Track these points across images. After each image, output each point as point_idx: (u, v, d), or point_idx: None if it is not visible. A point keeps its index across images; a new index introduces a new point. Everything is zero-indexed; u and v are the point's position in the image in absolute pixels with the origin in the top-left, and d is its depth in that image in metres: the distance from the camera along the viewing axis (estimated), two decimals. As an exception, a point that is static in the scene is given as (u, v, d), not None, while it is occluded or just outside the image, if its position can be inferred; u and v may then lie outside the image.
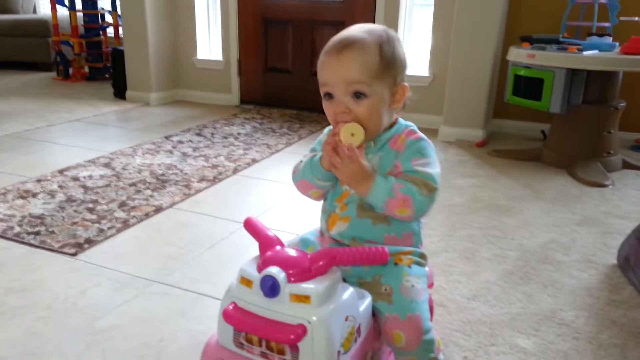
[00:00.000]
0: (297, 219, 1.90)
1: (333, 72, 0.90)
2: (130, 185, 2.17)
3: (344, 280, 0.94)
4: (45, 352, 1.14)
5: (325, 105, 0.94)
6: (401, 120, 0.98)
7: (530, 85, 2.49)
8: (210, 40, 4.08)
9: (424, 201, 0.88)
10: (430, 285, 1.12)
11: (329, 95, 0.92)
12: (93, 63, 4.75)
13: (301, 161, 1.02)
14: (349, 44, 0.88)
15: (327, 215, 1.00)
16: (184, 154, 2.64)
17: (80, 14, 4.64)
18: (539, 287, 1.43)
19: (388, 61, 0.90)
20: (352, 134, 0.88)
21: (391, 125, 0.96)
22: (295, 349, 0.76)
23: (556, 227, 1.85)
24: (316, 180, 0.97)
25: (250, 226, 0.92)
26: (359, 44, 0.88)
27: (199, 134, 3.04)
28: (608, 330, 1.25)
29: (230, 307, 0.82)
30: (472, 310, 1.31)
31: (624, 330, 1.25)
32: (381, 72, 0.89)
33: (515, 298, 1.37)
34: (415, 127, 0.96)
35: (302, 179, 1.00)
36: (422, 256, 0.98)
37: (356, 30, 0.92)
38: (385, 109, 0.93)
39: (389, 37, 0.92)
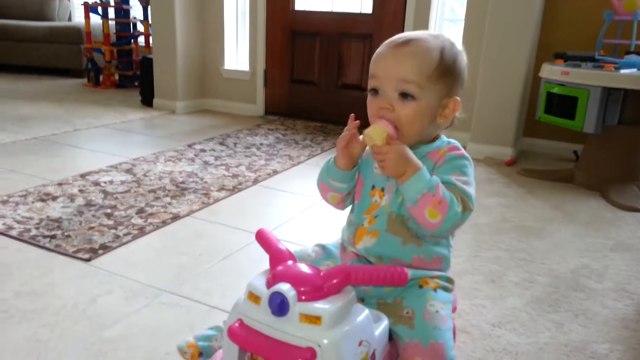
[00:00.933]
0: (316, 233, 1.84)
1: (386, 66, 0.86)
2: (150, 192, 2.15)
3: (362, 300, 0.88)
4: (48, 360, 1.11)
5: (370, 100, 0.89)
6: (444, 137, 0.92)
7: (563, 104, 2.40)
8: (238, 51, 4.09)
9: (457, 215, 0.81)
10: (454, 310, 1.05)
11: (375, 91, 0.87)
12: (123, 71, 4.82)
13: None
14: (410, 41, 0.86)
15: (354, 228, 0.93)
16: (206, 163, 2.62)
17: (112, 23, 4.73)
18: (569, 316, 1.34)
19: (446, 67, 0.86)
20: (375, 137, 0.83)
21: (433, 140, 0.91)
22: (303, 374, 0.70)
23: (588, 252, 1.75)
24: (331, 181, 0.93)
25: (261, 238, 0.87)
26: (421, 42, 0.86)
27: (221, 143, 3.03)
28: (646, 367, 1.16)
29: (236, 324, 0.77)
30: (496, 338, 1.23)
31: (663, 368, 1.16)
32: (436, 76, 0.85)
33: (544, 327, 1.29)
34: (458, 144, 0.91)
35: (321, 182, 0.96)
36: (450, 280, 0.92)
37: (421, 32, 0.89)
38: (430, 118, 0.87)
39: (452, 46, 0.88)
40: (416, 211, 0.82)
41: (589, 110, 2.28)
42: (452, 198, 0.81)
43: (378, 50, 0.88)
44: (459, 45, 0.90)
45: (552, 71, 2.44)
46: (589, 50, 2.72)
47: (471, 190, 0.84)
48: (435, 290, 0.87)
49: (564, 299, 1.43)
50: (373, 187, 0.91)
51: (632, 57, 2.43)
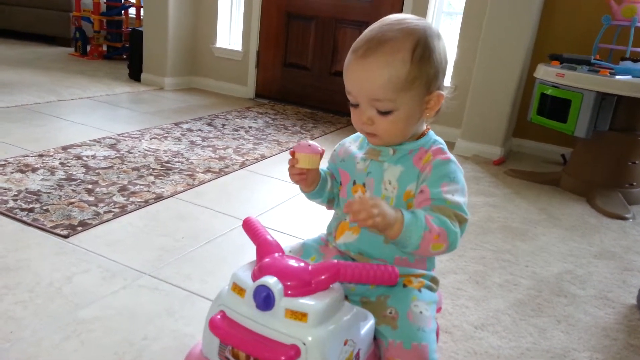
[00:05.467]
0: (301, 222, 1.82)
1: (356, 82, 0.81)
2: (133, 169, 2.10)
3: (345, 297, 0.86)
4: (19, 339, 1.07)
5: (352, 112, 0.85)
6: (431, 134, 0.88)
7: (556, 106, 2.39)
8: (231, 30, 4.01)
9: (457, 234, 0.78)
10: (439, 310, 1.03)
11: (354, 104, 0.84)
12: (111, 42, 4.71)
13: None
14: (376, 47, 0.78)
15: (337, 222, 0.92)
16: (192, 143, 2.56)
17: (103, -8, 4.60)
18: (551, 321, 1.34)
19: (420, 69, 0.79)
20: (306, 165, 0.88)
21: (419, 136, 0.86)
22: (285, 372, 0.68)
23: (572, 257, 1.75)
24: (308, 198, 0.97)
25: (249, 227, 0.84)
26: (388, 48, 0.78)
27: (209, 124, 2.97)
28: (625, 377, 1.16)
29: (218, 316, 0.74)
30: (479, 340, 1.22)
31: (641, 378, 1.16)
32: (410, 83, 0.79)
33: (526, 331, 1.28)
34: (444, 146, 0.86)
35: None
36: (434, 280, 0.89)
37: (390, 26, 0.81)
38: (414, 119, 0.83)
39: (426, 38, 0.80)
40: (421, 252, 0.79)
41: (582, 114, 2.28)
42: (446, 222, 0.77)
43: (347, 59, 0.82)
44: (436, 32, 0.82)
45: (548, 72, 2.42)
46: (585, 54, 2.72)
47: (462, 198, 0.81)
48: (419, 290, 0.85)
49: (546, 303, 1.43)
50: (355, 182, 0.89)
51: (628, 64, 2.43)
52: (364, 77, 0.80)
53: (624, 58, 2.51)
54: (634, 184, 2.41)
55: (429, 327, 0.82)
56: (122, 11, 4.69)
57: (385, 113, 0.81)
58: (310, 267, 0.75)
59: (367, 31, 0.83)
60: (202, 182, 2.06)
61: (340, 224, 0.91)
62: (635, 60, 2.44)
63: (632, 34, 2.56)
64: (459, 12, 3.17)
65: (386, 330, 0.82)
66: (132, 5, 4.70)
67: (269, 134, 2.92)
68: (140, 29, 3.89)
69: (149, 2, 3.74)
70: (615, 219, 2.17)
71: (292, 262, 0.75)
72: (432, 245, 0.77)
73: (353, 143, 0.94)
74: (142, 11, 4.20)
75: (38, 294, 1.23)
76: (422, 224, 0.76)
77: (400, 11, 3.28)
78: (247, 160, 2.40)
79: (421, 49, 0.79)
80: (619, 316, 1.41)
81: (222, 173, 2.19)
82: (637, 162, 2.39)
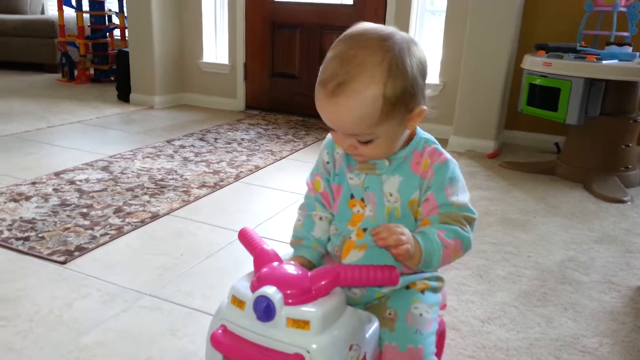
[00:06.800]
0: (300, 229, 1.80)
1: (328, 118, 0.76)
2: (128, 190, 2.09)
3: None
4: (22, 370, 1.05)
5: (332, 134, 0.81)
6: (419, 133, 0.84)
7: (545, 95, 2.39)
8: (217, 43, 4.01)
9: (470, 237, 0.79)
10: (443, 307, 1.02)
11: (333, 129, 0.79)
12: (98, 65, 4.70)
13: (299, 220, 0.91)
14: (344, 84, 0.71)
15: (341, 240, 0.86)
16: (185, 159, 2.55)
17: (87, 15, 4.60)
18: (558, 310, 1.33)
19: (395, 99, 0.72)
20: None
21: (408, 141, 0.83)
22: (291, 383, 0.67)
23: (574, 244, 1.75)
24: None
25: (244, 238, 0.83)
26: (357, 85, 0.71)
27: (201, 139, 2.96)
28: (636, 360, 1.15)
29: (219, 330, 0.72)
30: (486, 334, 1.21)
31: (652, 361, 1.15)
32: (386, 115, 0.73)
33: (534, 322, 1.27)
34: (437, 144, 0.83)
35: None
36: (439, 279, 0.88)
37: (356, 51, 0.73)
38: (398, 137, 0.79)
39: (397, 61, 0.72)
40: (444, 265, 0.80)
41: (572, 101, 2.28)
42: (457, 232, 0.77)
43: (316, 90, 0.76)
44: (406, 45, 0.75)
45: (534, 62, 2.43)
46: (570, 41, 2.73)
47: (466, 195, 0.81)
48: (422, 292, 0.84)
49: (552, 292, 1.42)
50: (352, 196, 0.85)
51: (613, 48, 2.44)
52: (336, 117, 0.75)
53: (609, 43, 2.52)
54: (629, 166, 2.41)
55: (428, 329, 0.80)
56: (107, 33, 4.69)
57: (366, 142, 0.77)
58: (309, 273, 0.74)
59: (333, 56, 0.75)
60: (197, 198, 2.05)
61: (346, 242, 0.85)
62: (620, 45, 2.45)
63: (615, 19, 2.58)
64: (443, 10, 3.18)
65: (383, 333, 0.80)
66: (117, 27, 4.69)
67: (262, 144, 2.92)
68: (126, 49, 3.88)
69: (133, 23, 3.75)
70: (614, 203, 2.16)
71: (291, 270, 0.74)
72: (452, 258, 0.78)
73: (339, 150, 0.87)
74: (127, 32, 4.20)
75: (38, 323, 1.21)
76: (438, 244, 0.76)
77: (384, 12, 3.29)
78: (241, 172, 2.39)
79: (393, 79, 0.72)
80: (625, 299, 1.40)
81: (217, 187, 2.18)
82: (630, 144, 2.39)
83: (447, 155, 0.82)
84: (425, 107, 0.78)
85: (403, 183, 0.81)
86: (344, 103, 0.72)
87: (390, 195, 0.82)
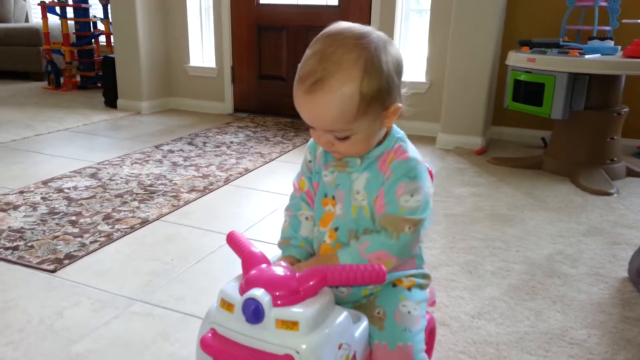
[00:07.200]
0: (290, 231, 1.81)
1: (306, 115, 0.78)
2: (116, 196, 2.08)
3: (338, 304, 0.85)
4: (13, 381, 1.05)
5: (310, 131, 0.82)
6: (394, 131, 0.84)
7: (530, 91, 2.42)
8: (203, 47, 4.01)
9: (405, 243, 0.78)
10: (433, 304, 1.03)
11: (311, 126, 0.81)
12: (84, 72, 4.68)
13: (286, 221, 0.93)
14: (322, 81, 0.73)
15: (318, 243, 0.87)
16: (174, 164, 2.55)
17: (71, 23, 4.57)
18: (547, 303, 1.34)
19: (371, 97, 0.74)
20: None
21: (383, 139, 0.83)
22: (281, 383, 0.67)
23: (561, 237, 1.77)
24: None
25: (232, 241, 0.83)
26: (334, 82, 0.73)
27: (190, 143, 2.96)
28: (624, 350, 1.16)
29: (209, 334, 0.73)
30: (476, 329, 1.22)
31: (640, 350, 1.17)
32: (362, 111, 0.75)
33: (523, 315, 1.28)
34: (405, 143, 0.83)
35: None
36: (425, 276, 0.89)
37: (334, 49, 0.75)
38: (375, 134, 0.81)
39: (373, 59, 0.74)
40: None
41: (556, 96, 2.31)
42: (383, 243, 0.78)
43: (294, 87, 0.78)
44: (382, 44, 0.77)
45: (519, 59, 2.45)
46: (553, 37, 2.76)
47: (421, 197, 0.79)
48: (409, 289, 0.85)
49: (540, 286, 1.44)
50: (325, 195, 0.86)
51: (596, 42, 2.47)
52: (314, 113, 0.77)
53: (592, 37, 2.55)
54: (615, 159, 2.44)
55: (416, 327, 0.81)
56: (93, 40, 4.66)
57: (343, 138, 0.78)
58: (297, 274, 0.74)
59: (311, 54, 0.77)
60: (187, 202, 2.05)
61: (322, 247, 0.86)
62: (602, 39, 2.48)
63: (596, 13, 2.61)
64: (428, 9, 3.20)
65: (373, 331, 0.81)
66: (102, 33, 4.67)
67: (251, 147, 2.92)
68: (112, 55, 3.87)
69: (118, 28, 3.73)
70: (600, 196, 2.19)
71: (279, 271, 0.75)
72: (381, 264, 0.76)
73: (321, 149, 0.88)
74: (112, 38, 4.18)
75: (29, 333, 1.20)
76: (355, 260, 0.78)
77: (369, 12, 3.30)
78: (231, 175, 2.39)
79: (369, 76, 0.74)
80: (612, 290, 1.42)
81: (207, 191, 2.18)
82: (615, 137, 2.42)
83: (411, 154, 0.81)
84: (401, 105, 0.80)
85: (369, 180, 0.82)
86: (322, 99, 0.74)
87: (357, 193, 0.83)
